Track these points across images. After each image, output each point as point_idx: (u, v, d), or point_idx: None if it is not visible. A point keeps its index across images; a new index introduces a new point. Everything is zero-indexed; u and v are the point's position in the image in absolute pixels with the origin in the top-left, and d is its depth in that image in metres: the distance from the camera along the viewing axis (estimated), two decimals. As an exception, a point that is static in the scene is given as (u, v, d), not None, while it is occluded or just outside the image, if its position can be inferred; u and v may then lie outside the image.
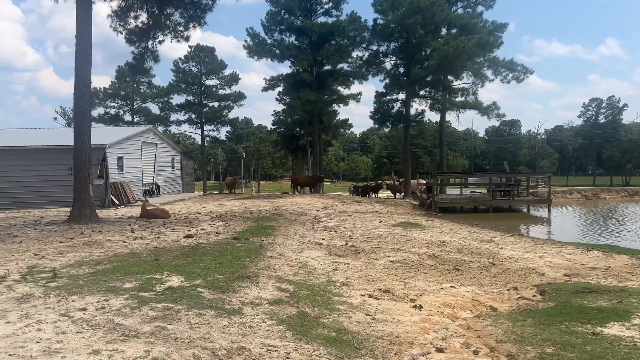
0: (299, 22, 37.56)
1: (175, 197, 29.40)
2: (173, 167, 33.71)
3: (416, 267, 8.83)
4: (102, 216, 17.92)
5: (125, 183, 24.71)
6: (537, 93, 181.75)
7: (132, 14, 16.71)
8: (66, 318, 4.85)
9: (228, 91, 55.89)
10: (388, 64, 36.20)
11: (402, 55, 34.19)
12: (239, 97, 55.98)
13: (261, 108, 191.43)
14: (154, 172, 30.03)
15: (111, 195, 23.25)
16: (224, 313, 5.05)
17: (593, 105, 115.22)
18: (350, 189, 42.86)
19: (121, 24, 16.29)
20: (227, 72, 54.96)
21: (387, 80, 39.02)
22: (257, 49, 36.74)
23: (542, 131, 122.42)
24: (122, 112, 58.52)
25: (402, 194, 34.93)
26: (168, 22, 17.46)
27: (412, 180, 35.78)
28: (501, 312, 6.08)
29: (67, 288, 6.12)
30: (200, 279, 6.50)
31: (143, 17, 16.95)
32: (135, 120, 56.78)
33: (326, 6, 38.70)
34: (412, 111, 38.78)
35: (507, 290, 7.47)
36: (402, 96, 41.23)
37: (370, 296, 6.53)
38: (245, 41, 36.89)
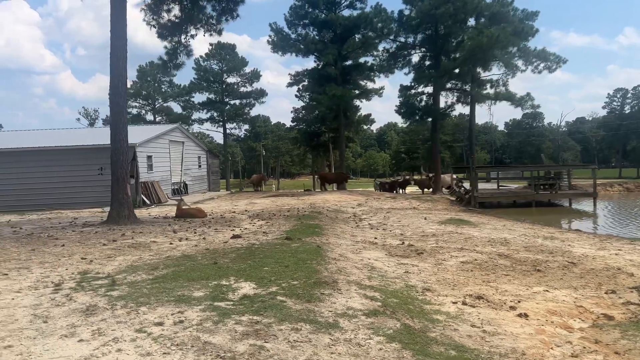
0: (323, 15, 36.82)
1: (204, 196, 28.97)
2: (200, 166, 33.34)
3: (492, 269, 8.13)
4: (138, 216, 17.54)
5: (155, 182, 24.33)
6: (554, 85, 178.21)
7: (165, 7, 16.21)
8: (144, 335, 4.28)
9: (249, 88, 55.52)
10: (415, 57, 35.29)
11: (430, 47, 33.22)
12: (260, 94, 55.53)
13: (276, 106, 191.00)
14: (181, 171, 29.66)
15: (142, 195, 22.88)
16: (321, 327, 4.43)
17: (618, 96, 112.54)
18: (376, 185, 42.18)
19: (154, 17, 15.79)
20: (247, 69, 54.60)
21: (413, 74, 38.31)
22: (282, 44, 36.13)
23: (562, 124, 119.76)
24: (143, 111, 58.53)
25: (432, 190, 34.07)
26: (201, 15, 16.93)
27: (442, 176, 34.93)
28: (620, 321, 5.38)
29: (133, 298, 5.57)
30: (275, 286, 5.90)
31: (175, 10, 16.46)
32: (157, 119, 56.70)
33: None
34: (442, 104, 37.99)
35: (606, 293, 6.74)
36: (428, 89, 40.46)
37: (463, 303, 5.86)
38: (270, 36, 36.37)
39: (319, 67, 36.32)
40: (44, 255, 9.28)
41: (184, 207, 17.31)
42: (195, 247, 9.67)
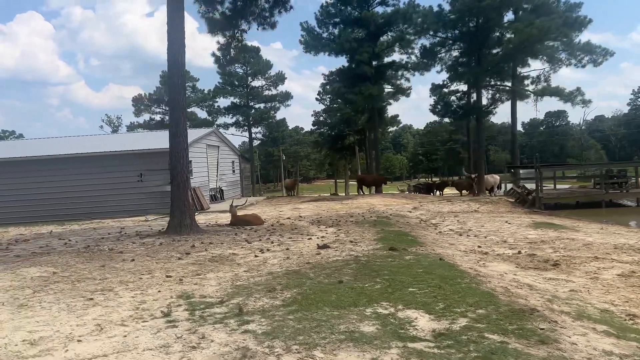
0: (356, 13, 35.59)
1: (241, 202, 27.78)
2: (233, 171, 32.20)
3: (666, 283, 6.73)
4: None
5: (197, 188, 23.19)
6: (566, 84, 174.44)
7: None
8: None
9: (274, 92, 54.42)
10: (455, 52, 33.92)
11: (471, 42, 31.82)
12: (286, 97, 54.47)
13: (292, 110, 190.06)
14: (217, 176, 28.53)
15: (184, 202, 21.71)
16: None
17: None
18: (410, 188, 40.66)
19: (208, 9, 14.63)
20: (272, 72, 53.53)
21: (446, 71, 36.92)
22: (314, 43, 34.96)
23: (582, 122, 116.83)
24: (167, 118, 57.71)
25: (476, 191, 32.56)
26: (253, 7, 15.73)
27: (485, 176, 33.44)
28: None
29: (287, 335, 4.29)
30: (460, 316, 4.59)
31: (227, 2, 15.30)
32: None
33: (382, -5, 36.58)
34: (484, 101, 36.59)
35: None
36: (463, 87, 39.06)
37: None
38: (302, 36, 35.20)
39: (354, 66, 35.00)
40: (119, 272, 8.07)
41: (239, 214, 16.11)
42: (289, 260, 8.40)
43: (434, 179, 46.48)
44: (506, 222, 14.63)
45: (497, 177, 34.49)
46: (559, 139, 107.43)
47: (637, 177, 21.41)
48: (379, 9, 36.40)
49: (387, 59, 38.37)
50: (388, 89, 37.83)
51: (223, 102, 63.10)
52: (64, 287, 7.09)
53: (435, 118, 53.59)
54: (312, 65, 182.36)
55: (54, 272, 8.34)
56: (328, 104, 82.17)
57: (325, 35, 36.50)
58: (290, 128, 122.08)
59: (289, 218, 17.36)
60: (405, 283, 6.07)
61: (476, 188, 32.84)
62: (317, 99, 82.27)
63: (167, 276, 7.59)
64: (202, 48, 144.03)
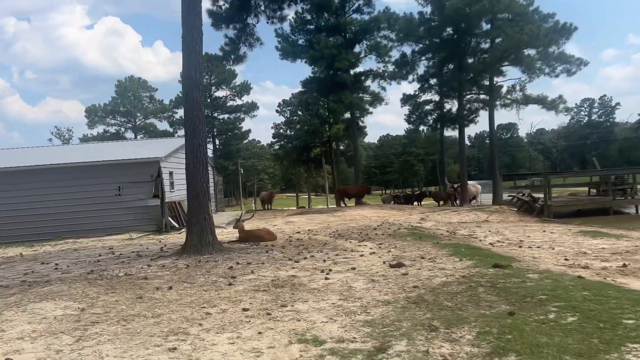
0: (332, 19, 34.46)
1: (222, 217, 25.76)
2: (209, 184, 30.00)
3: None
4: (174, 242, 14.42)
5: (182, 202, 21.07)
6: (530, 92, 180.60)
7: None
8: None
9: (239, 102, 52.36)
10: (434, 60, 33.28)
11: (453, 49, 31.22)
12: (251, 107, 52.56)
13: (247, 123, 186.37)
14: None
15: (169, 218, 19.61)
16: None
17: (585, 106, 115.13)
18: (388, 199, 39.70)
19: (215, 2, 12.96)
20: (238, 81, 51.47)
21: (425, 79, 36.36)
22: (292, 49, 33.50)
23: (533, 133, 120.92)
24: (123, 129, 54.50)
25: (459, 202, 31.94)
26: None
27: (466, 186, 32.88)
28: None
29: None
30: None
31: (235, -7, 13.66)
32: (138, 137, 52.80)
33: (358, 3, 35.66)
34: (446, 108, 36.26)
35: None
36: (435, 97, 38.65)
37: None
38: (279, 42, 33.63)
39: (331, 74, 33.73)
40: (169, 305, 6.28)
41: (247, 229, 14.33)
42: (377, 284, 6.88)
43: (414, 190, 45.69)
44: (544, 231, 13.61)
45: (478, 186, 34.06)
46: (511, 151, 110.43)
47: (634, 184, 21.14)
48: (356, 16, 35.47)
49: (363, 67, 37.48)
50: (366, 97, 36.80)
51: (181, 113, 60.38)
52: (115, 330, 5.26)
53: (403, 128, 53.25)
54: (277, 76, 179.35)
55: (80, 307, 6.42)
56: (288, 115, 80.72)
57: (301, 42, 35.16)
58: (245, 141, 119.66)
59: (298, 232, 15.71)
60: (601, 312, 4.67)
61: (459, 198, 32.25)
62: (277, 110, 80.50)
63: (244, 309, 5.87)
64: (148, 61, 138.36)
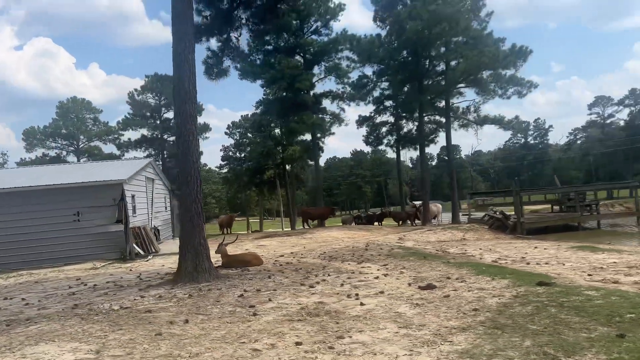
0: (292, 40, 34.18)
1: (231, 239, 24.33)
2: (166, 208, 28.51)
3: None
4: (147, 270, 13.28)
5: (146, 228, 19.71)
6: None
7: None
8: None
9: (190, 124, 50.72)
10: (389, 83, 33.55)
11: (412, 71, 31.60)
12: (203, 129, 51.09)
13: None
14: (151, 214, 24.79)
15: (133, 244, 18.23)
16: None
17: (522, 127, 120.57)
18: (349, 219, 39.39)
19: (200, 13, 12.21)
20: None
21: (379, 101, 36.73)
22: (251, 69, 32.79)
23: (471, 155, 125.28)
24: (65, 152, 51.52)
25: (421, 221, 32.03)
26: (242, 12, 13.56)
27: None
28: None
29: None
30: None
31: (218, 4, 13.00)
32: (81, 161, 50.03)
33: (315, 25, 35.64)
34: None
35: None
36: (390, 118, 39.11)
37: None
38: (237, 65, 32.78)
39: (292, 95, 33.28)
40: (200, 342, 5.43)
41: (231, 254, 13.39)
42: (424, 308, 6.28)
43: (367, 211, 45.67)
44: (535, 247, 13.55)
45: (439, 205, 34.37)
46: (457, 171, 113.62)
47: (598, 201, 21.80)
48: (315, 37, 35.39)
49: (323, 89, 37.44)
50: (327, 118, 36.58)
51: (131, 134, 58.41)
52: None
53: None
54: (225, 98, 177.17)
55: (93, 349, 5.42)
56: (238, 138, 79.29)
57: (258, 62, 34.58)
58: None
59: (282, 256, 14.90)
60: None
61: (421, 217, 32.32)
62: (226, 133, 78.89)
63: (297, 343, 5.11)
64: (82, 84, 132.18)
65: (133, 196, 20.26)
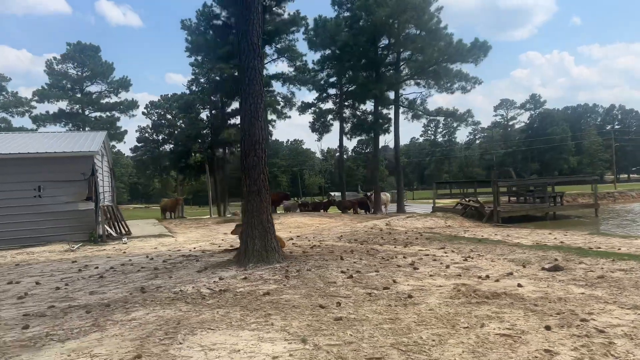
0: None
1: (143, 225, 22.34)
2: (110, 188, 25.92)
3: None
4: (145, 252, 11.82)
5: (116, 206, 17.65)
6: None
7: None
8: None
9: (115, 99, 46.86)
10: (346, 70, 33.20)
11: (372, 58, 31.50)
12: (130, 106, 47.42)
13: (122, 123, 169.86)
14: (104, 192, 22.39)
15: (105, 225, 16.22)
16: None
17: (432, 125, 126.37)
18: (294, 206, 38.68)
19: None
20: (116, 76, 45.91)
21: (324, 90, 36.39)
22: (204, 43, 30.72)
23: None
24: (-38, 124, 45.44)
25: (373, 209, 32.14)
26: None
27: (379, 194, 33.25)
28: None
29: None
30: None
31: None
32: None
33: (270, 2, 34.25)
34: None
35: None
36: (331, 106, 38.89)
37: None
38: (189, 35, 30.57)
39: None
40: (396, 328, 4.57)
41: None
42: (610, 291, 5.89)
43: (320, 198, 44.94)
44: (549, 233, 13.81)
45: (388, 195, 34.72)
46: (370, 165, 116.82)
47: (563, 192, 22.99)
48: (267, 16, 33.94)
49: (274, 71, 36.14)
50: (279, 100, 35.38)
51: (47, 107, 52.92)
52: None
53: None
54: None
55: (296, 338, 4.37)
56: (156, 118, 74.98)
57: (208, 37, 32.56)
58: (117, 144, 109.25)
59: (290, 240, 13.92)
60: None
61: (371, 205, 32.41)
62: (144, 112, 74.54)
63: (546, 327, 4.44)
64: None
65: (96, 171, 18.05)
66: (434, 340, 4.18)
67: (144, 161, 71.66)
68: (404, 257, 8.99)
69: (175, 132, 58.38)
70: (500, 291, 5.96)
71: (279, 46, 34.39)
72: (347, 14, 31.48)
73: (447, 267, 7.81)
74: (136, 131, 59.67)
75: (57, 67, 43.88)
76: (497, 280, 6.62)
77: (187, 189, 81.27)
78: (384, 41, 31.08)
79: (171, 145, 60.56)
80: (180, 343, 4.34)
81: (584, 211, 23.18)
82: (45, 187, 15.61)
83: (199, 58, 37.35)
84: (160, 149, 63.80)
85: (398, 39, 30.25)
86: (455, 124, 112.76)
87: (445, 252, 9.69)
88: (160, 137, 73.14)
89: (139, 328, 4.94)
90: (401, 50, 30.86)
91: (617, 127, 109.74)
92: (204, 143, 53.21)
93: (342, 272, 7.55)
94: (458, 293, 5.96)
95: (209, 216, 37.78)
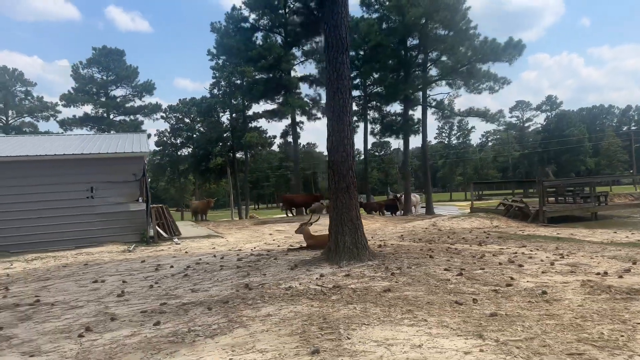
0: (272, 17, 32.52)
1: (187, 226, 22.22)
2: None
3: None
4: (205, 252, 11.67)
5: (167, 207, 17.58)
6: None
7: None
8: None
9: (140, 103, 47.05)
10: (377, 71, 33.01)
11: (402, 58, 31.28)
12: (154, 109, 47.59)
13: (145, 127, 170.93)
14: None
15: (156, 226, 16.14)
16: None
17: (446, 127, 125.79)
18: (319, 208, 38.50)
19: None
20: (140, 80, 46.12)
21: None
22: (234, 46, 30.71)
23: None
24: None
25: (403, 211, 31.90)
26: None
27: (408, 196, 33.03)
28: None
29: None
30: None
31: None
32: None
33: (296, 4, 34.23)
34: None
35: None
36: (353, 107, 38.63)
37: None
38: (216, 39, 30.56)
39: (278, 76, 31.63)
40: (573, 325, 4.35)
41: (315, 234, 12.10)
42: None
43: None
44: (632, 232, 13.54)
45: (417, 196, 34.43)
46: (384, 167, 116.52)
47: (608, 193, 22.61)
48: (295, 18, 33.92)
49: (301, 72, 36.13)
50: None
51: (74, 111, 52.91)
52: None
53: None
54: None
55: (489, 340, 4.17)
56: (174, 122, 75.21)
57: (233, 42, 32.54)
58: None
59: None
60: None
61: (401, 207, 32.13)
62: (163, 117, 74.79)
63: None
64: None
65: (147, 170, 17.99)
66: (622, 336, 3.96)
67: (162, 165, 71.80)
68: (493, 255, 8.76)
69: (194, 135, 58.51)
70: (636, 287, 5.72)
71: (305, 48, 34.32)
72: (375, 15, 31.32)
73: (552, 264, 7.57)
74: (154, 135, 59.79)
75: (83, 71, 44.15)
76: (620, 277, 6.38)
77: (204, 193, 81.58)
78: (414, 41, 30.85)
79: (189, 149, 60.73)
80: (348, 338, 4.15)
81: (626, 211, 22.75)
82: (97, 188, 15.56)
83: (220, 62, 37.46)
84: (179, 152, 63.66)
85: (428, 39, 30.01)
86: (469, 126, 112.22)
87: (531, 250, 9.44)
88: (178, 141, 73.28)
89: (284, 323, 4.77)
90: (429, 50, 30.60)
91: (633, 128, 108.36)
92: (225, 146, 53.32)
93: (445, 269, 7.33)
94: (592, 289, 5.72)
95: (230, 218, 37.76)
